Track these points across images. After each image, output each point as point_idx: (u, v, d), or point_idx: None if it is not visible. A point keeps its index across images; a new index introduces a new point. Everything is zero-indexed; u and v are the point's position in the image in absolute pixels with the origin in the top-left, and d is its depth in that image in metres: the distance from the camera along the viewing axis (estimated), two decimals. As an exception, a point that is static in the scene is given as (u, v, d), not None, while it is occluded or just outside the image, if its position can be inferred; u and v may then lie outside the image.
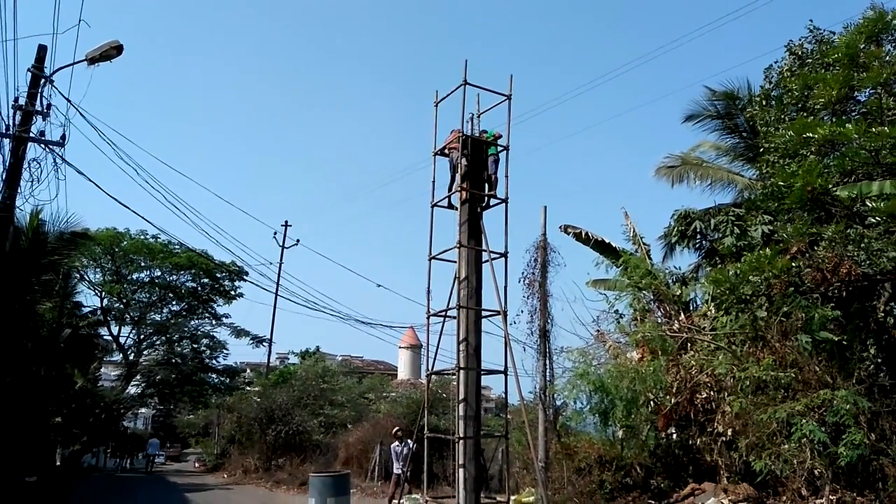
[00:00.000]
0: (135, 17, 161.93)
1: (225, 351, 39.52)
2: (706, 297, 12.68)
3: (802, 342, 10.11)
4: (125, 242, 33.19)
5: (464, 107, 11.32)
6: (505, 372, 11.09)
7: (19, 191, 12.31)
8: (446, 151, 11.76)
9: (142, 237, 33.39)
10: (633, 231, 16.14)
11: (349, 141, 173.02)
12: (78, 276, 29.38)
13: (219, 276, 36.39)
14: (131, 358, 35.24)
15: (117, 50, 12.87)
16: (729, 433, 10.57)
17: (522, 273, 13.79)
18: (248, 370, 49.57)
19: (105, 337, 32.89)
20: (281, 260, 34.03)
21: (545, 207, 13.89)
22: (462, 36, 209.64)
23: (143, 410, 51.11)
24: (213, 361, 39.56)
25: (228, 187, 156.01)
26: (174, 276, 36.11)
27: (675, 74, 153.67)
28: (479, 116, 11.94)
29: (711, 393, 11.21)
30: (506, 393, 11.74)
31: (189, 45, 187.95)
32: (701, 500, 10.54)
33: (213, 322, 38.62)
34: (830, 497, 9.05)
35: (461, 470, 10.40)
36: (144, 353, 36.74)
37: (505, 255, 11.35)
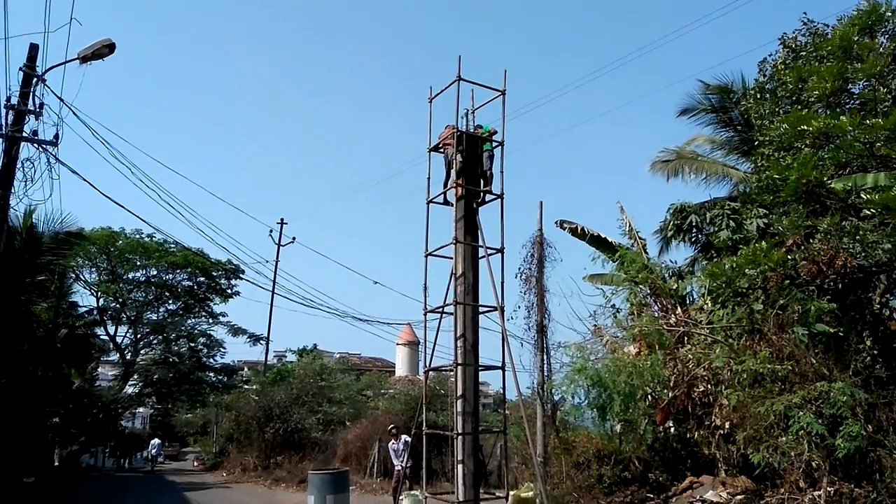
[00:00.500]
0: (126, 13, 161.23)
1: (222, 349, 39.53)
2: (702, 291, 12.70)
3: (799, 335, 10.13)
4: (120, 242, 33.10)
5: (458, 102, 11.31)
6: (503, 367, 11.10)
7: (13, 191, 12.27)
8: (441, 148, 11.75)
9: (137, 236, 33.31)
10: (629, 225, 16.15)
11: (345, 138, 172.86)
12: (73, 276, 29.33)
13: (215, 274, 36.34)
14: (128, 357, 35.18)
15: (109, 48, 12.82)
16: (726, 426, 10.59)
17: (519, 268, 13.83)
18: (246, 368, 49.51)
19: (102, 337, 32.88)
20: (277, 258, 34.06)
21: (541, 203, 13.93)
22: (457, 31, 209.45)
23: (140, 410, 51.04)
24: (211, 360, 39.55)
25: (224, 185, 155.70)
26: (170, 275, 36.04)
27: (670, 68, 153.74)
28: (473, 112, 11.93)
29: (709, 386, 11.23)
30: (504, 388, 11.74)
31: (182, 43, 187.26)
32: (699, 493, 10.57)
33: (210, 321, 38.60)
34: (828, 489, 9.08)
35: (460, 466, 10.41)
36: (141, 352, 36.70)
37: (501, 250, 11.36)
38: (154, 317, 36.76)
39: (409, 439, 14.86)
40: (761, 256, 10.74)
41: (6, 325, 13.50)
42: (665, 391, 11.82)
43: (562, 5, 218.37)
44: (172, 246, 33.18)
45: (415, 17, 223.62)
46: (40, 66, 12.61)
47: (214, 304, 38.17)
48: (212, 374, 39.87)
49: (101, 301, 33.83)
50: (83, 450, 31.76)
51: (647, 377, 11.69)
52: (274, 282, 31.54)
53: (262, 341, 37.06)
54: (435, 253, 11.54)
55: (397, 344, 43.60)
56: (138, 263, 34.67)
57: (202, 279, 36.73)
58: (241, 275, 34.27)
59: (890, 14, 11.84)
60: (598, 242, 15.95)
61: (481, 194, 11.59)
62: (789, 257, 10.82)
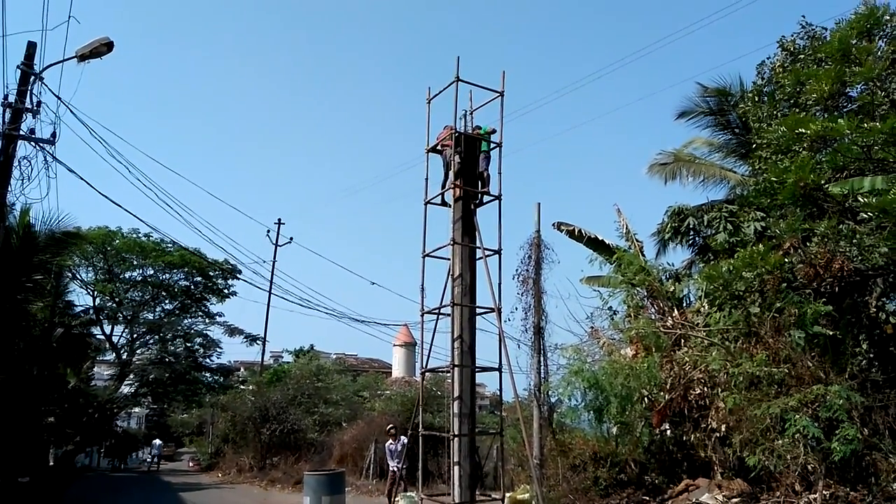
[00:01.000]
0: (125, 12, 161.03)
1: (219, 349, 39.42)
2: (699, 294, 12.70)
3: (795, 338, 10.13)
4: (117, 241, 33.02)
5: (456, 103, 11.32)
6: (499, 369, 11.10)
7: (9, 189, 12.24)
8: (439, 148, 11.74)
9: (134, 236, 33.23)
10: (627, 228, 16.15)
11: (342, 138, 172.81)
12: (70, 275, 29.24)
13: (212, 274, 36.28)
14: (124, 357, 35.08)
15: (107, 47, 12.80)
16: (723, 429, 10.60)
17: (516, 270, 13.80)
18: (242, 369, 49.46)
19: (98, 336, 32.78)
20: (274, 258, 34.02)
21: (539, 204, 13.90)
22: (456, 32, 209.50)
23: (136, 410, 50.86)
24: (207, 360, 39.45)
25: (221, 185, 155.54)
26: (167, 275, 35.95)
27: (668, 71, 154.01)
28: (471, 113, 11.94)
29: (705, 389, 11.23)
30: (500, 390, 11.74)
31: (180, 42, 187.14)
32: (695, 496, 10.56)
33: (207, 321, 38.51)
34: (824, 492, 9.09)
35: (456, 467, 10.41)
36: (137, 352, 36.58)
37: (499, 252, 11.36)
38: (150, 316, 36.68)
39: (406, 440, 14.86)
40: (758, 259, 10.75)
41: (2, 325, 13.45)
42: (661, 394, 11.82)
43: (560, 7, 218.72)
44: (169, 245, 33.11)
45: (413, 18, 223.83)
46: (38, 64, 12.61)
47: (211, 303, 38.14)
48: (208, 375, 39.77)
49: (98, 300, 33.75)
50: (78, 450, 31.66)
51: (644, 379, 11.68)
52: (271, 282, 31.51)
53: (258, 342, 37.05)
54: (432, 254, 11.54)
55: (394, 345, 43.62)
56: (135, 263, 34.59)
57: (199, 279, 36.66)
58: (237, 275, 34.25)
59: (888, 18, 11.86)
60: (596, 244, 15.94)
61: (479, 195, 11.59)
62: (786, 260, 10.83)
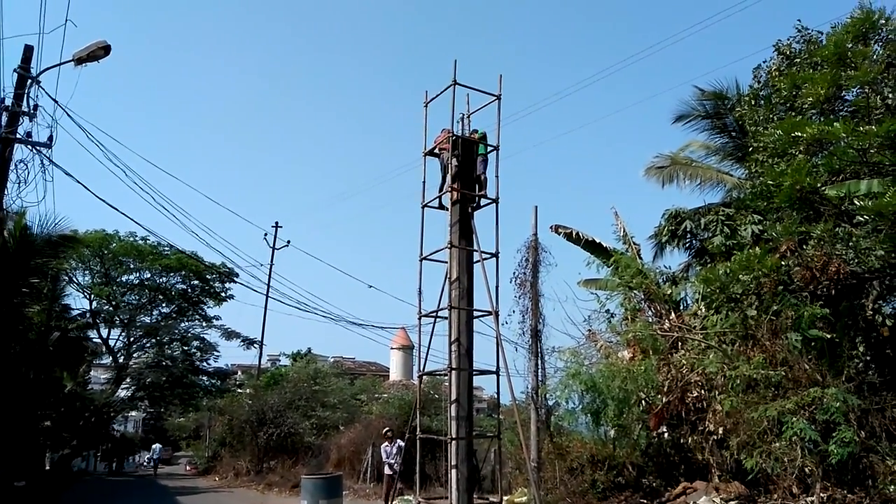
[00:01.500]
0: (122, 15, 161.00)
1: (216, 353, 39.39)
2: (696, 296, 12.71)
3: (792, 340, 10.15)
4: (114, 244, 32.96)
5: (453, 107, 11.33)
6: (497, 372, 11.09)
7: (6, 193, 12.22)
8: (437, 151, 11.75)
9: (131, 239, 33.18)
10: (624, 231, 16.17)
11: (340, 141, 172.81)
12: (66, 278, 29.14)
13: (209, 277, 36.22)
14: (121, 361, 35.01)
15: (105, 50, 12.79)
16: (720, 432, 10.61)
17: (514, 273, 13.80)
18: (240, 372, 49.28)
19: (94, 340, 32.69)
20: (272, 261, 33.90)
21: (536, 207, 13.92)
22: (453, 35, 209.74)
23: (133, 413, 50.80)
24: (204, 364, 39.42)
25: (218, 188, 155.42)
26: (164, 278, 35.90)
27: (665, 74, 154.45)
28: (469, 116, 11.96)
29: (702, 392, 11.24)
30: (498, 393, 11.72)
31: (177, 45, 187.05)
32: (693, 499, 10.56)
33: (204, 324, 38.47)
34: (821, 495, 9.10)
35: (454, 471, 10.39)
36: (134, 355, 36.51)
37: (496, 255, 11.36)
38: (147, 320, 36.63)
39: (402, 444, 14.83)
40: (755, 262, 10.77)
41: (-2, 328, 13.42)
42: (659, 396, 11.83)
43: (557, 11, 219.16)
44: (166, 249, 33.07)
45: (410, 22, 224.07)
46: (35, 67, 12.58)
47: (208, 307, 38.10)
48: (205, 378, 39.71)
49: (94, 304, 33.68)
50: (75, 454, 31.57)
51: (641, 382, 11.69)
52: (268, 285, 31.41)
53: (255, 345, 36.98)
54: (430, 257, 11.54)
55: (391, 348, 43.51)
56: (132, 266, 34.54)
57: (196, 282, 36.61)
58: (234, 278, 34.18)
59: (883, 21, 11.89)
60: (593, 247, 15.95)
61: (476, 199, 11.59)
62: (783, 263, 10.85)
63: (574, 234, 16.16)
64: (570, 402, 12.63)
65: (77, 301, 32.66)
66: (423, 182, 11.72)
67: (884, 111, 11.46)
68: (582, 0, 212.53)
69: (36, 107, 12.56)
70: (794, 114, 12.44)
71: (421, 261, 11.49)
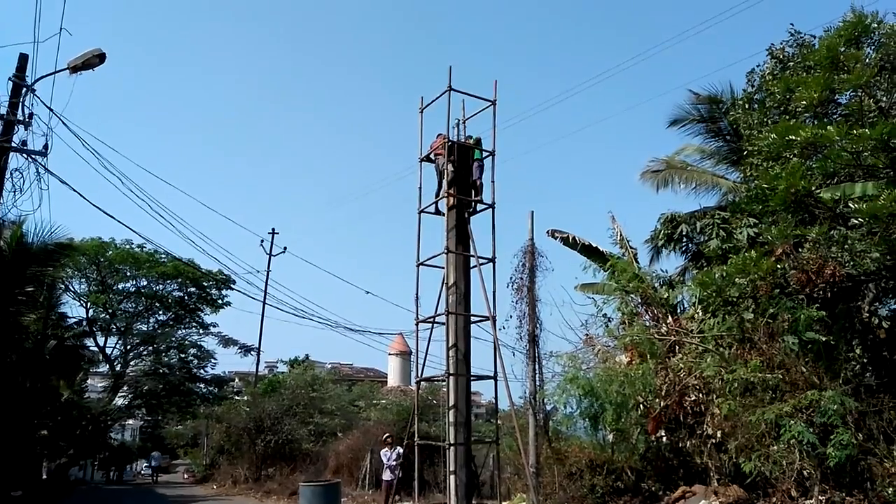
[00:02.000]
0: (117, 23, 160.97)
1: (213, 360, 39.38)
2: (693, 300, 12.73)
3: (789, 343, 10.17)
4: (110, 252, 32.96)
5: (449, 112, 11.38)
6: (495, 377, 11.11)
7: (2, 201, 12.21)
8: (432, 157, 11.79)
9: (127, 247, 33.17)
10: (620, 235, 16.19)
11: (336, 146, 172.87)
12: (63, 286, 29.12)
13: (206, 284, 36.19)
14: (118, 369, 34.95)
15: (100, 58, 12.80)
16: (718, 435, 10.60)
17: (511, 278, 13.79)
18: (237, 379, 49.19)
19: (91, 348, 32.66)
20: (268, 268, 33.84)
21: (532, 212, 13.93)
22: (448, 41, 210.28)
23: (130, 422, 50.64)
24: (201, 371, 39.37)
25: (214, 195, 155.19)
26: (160, 286, 35.88)
27: (660, 78, 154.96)
28: (464, 122, 12.00)
29: (700, 395, 11.24)
30: (496, 398, 11.74)
31: (172, 52, 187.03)
32: (692, 503, 10.56)
33: (201, 331, 38.47)
34: (820, 497, 9.10)
35: (452, 476, 10.39)
36: (131, 363, 36.47)
37: (493, 260, 11.38)
38: (144, 327, 36.61)
39: (401, 450, 14.81)
40: (751, 265, 10.79)
41: (-6, 337, 13.40)
42: (657, 400, 11.83)
43: (552, 16, 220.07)
44: (163, 256, 33.05)
45: (406, 27, 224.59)
46: (30, 76, 12.59)
47: (205, 314, 38.10)
48: (202, 386, 39.63)
49: (91, 312, 33.64)
50: (72, 463, 31.45)
51: (639, 386, 11.70)
52: (265, 292, 31.37)
53: (252, 352, 36.90)
54: (427, 263, 11.56)
55: (389, 354, 43.47)
56: (128, 274, 34.53)
57: (193, 290, 36.59)
58: (231, 285, 34.11)
59: (876, 25, 11.97)
60: (590, 252, 15.97)
61: (473, 204, 11.62)
62: (779, 266, 10.87)
63: (571, 238, 16.18)
64: (568, 406, 12.64)
65: (73, 309, 32.75)
66: (420, 188, 11.76)
67: (877, 114, 11.53)
68: (578, 4, 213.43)
69: (31, 115, 12.57)
70: (788, 117, 12.49)
71: (418, 266, 11.51)
